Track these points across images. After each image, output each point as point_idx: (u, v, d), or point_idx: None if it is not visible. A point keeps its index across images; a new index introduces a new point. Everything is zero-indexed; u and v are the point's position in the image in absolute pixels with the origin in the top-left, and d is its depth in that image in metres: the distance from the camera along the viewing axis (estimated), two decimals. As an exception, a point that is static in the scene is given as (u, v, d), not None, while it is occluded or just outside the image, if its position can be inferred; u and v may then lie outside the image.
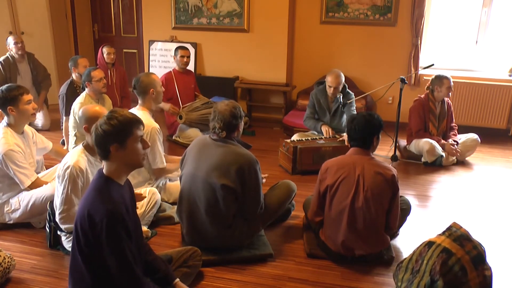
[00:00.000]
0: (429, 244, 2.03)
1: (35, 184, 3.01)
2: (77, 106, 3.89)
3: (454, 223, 2.07)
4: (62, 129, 4.66)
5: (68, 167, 2.53)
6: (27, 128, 3.18)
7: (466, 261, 1.91)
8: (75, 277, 1.92)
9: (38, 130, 5.14)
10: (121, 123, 1.91)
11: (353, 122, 2.68)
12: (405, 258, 2.17)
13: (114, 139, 1.90)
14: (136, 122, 1.98)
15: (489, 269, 1.96)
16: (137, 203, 2.56)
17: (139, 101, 3.37)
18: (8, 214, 3.01)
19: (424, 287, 1.95)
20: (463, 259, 1.91)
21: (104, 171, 1.95)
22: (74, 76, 4.71)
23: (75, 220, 1.89)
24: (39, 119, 5.27)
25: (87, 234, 1.82)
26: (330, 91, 4.23)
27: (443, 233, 2.04)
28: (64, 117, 4.54)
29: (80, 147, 2.66)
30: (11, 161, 2.90)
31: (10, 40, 5.10)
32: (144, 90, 3.31)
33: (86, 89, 4.03)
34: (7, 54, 5.15)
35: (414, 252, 2.11)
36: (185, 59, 4.92)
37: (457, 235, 1.99)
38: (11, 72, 5.11)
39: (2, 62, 5.10)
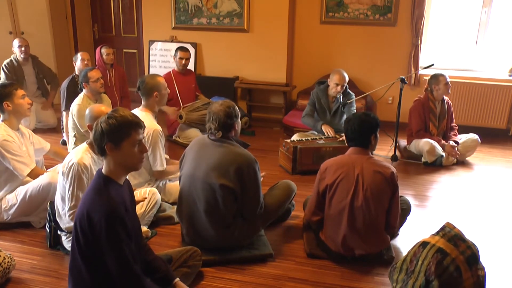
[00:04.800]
0: (423, 244, 2.02)
1: (34, 173, 3.01)
2: (75, 108, 3.89)
3: (448, 223, 2.07)
4: (62, 126, 4.68)
5: (72, 164, 2.54)
6: (23, 129, 3.20)
7: (461, 261, 1.91)
8: (75, 277, 1.91)
9: (48, 128, 5.26)
10: (119, 124, 1.87)
11: (349, 122, 2.70)
12: (399, 259, 2.16)
13: (109, 138, 1.87)
14: (136, 124, 1.92)
15: (483, 269, 1.95)
16: (137, 203, 2.57)
17: (143, 102, 3.36)
18: (6, 211, 3.00)
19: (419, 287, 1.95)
20: (457, 259, 1.90)
21: (103, 170, 1.94)
22: (77, 71, 4.73)
23: (74, 220, 1.89)
24: (50, 117, 5.33)
25: (86, 234, 1.82)
26: (336, 89, 4.22)
27: (437, 233, 2.04)
28: (64, 112, 4.55)
29: (84, 145, 2.67)
30: (6, 150, 2.90)
31: (15, 43, 5.10)
32: (149, 93, 3.30)
33: (84, 90, 4.02)
34: (12, 57, 5.14)
35: (408, 252, 2.10)
36: (183, 61, 4.91)
37: (451, 235, 1.98)
38: (17, 74, 5.11)
39: (6, 65, 5.09)
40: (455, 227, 2.03)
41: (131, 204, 2.02)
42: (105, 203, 1.81)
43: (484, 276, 1.95)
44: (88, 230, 1.81)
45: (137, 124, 1.93)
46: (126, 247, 1.83)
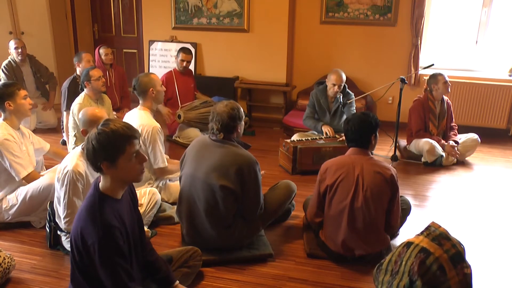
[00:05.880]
0: (407, 244, 2.02)
1: (31, 177, 3.00)
2: (76, 107, 3.88)
3: (433, 223, 2.07)
4: (62, 126, 4.68)
5: (67, 172, 2.52)
6: (23, 129, 3.21)
7: (445, 260, 1.90)
8: (76, 285, 1.90)
9: (48, 128, 5.27)
10: (110, 140, 1.75)
11: (349, 123, 2.70)
12: (384, 260, 2.16)
13: (103, 157, 1.76)
14: (129, 137, 1.79)
15: (469, 267, 1.94)
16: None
17: (140, 101, 3.37)
18: (6, 211, 3.00)
19: None
20: (441, 258, 1.90)
21: (100, 185, 1.86)
22: (78, 71, 4.73)
23: (70, 236, 1.86)
24: (50, 117, 5.34)
25: (81, 252, 1.80)
26: (334, 89, 4.22)
27: (422, 233, 2.04)
28: (64, 112, 4.55)
29: (79, 149, 2.63)
30: (6, 150, 2.90)
31: (11, 44, 5.08)
32: (144, 90, 3.31)
33: (85, 89, 4.02)
34: (9, 58, 5.12)
35: (393, 253, 2.10)
36: (184, 63, 4.93)
37: (436, 235, 1.98)
38: (16, 75, 5.10)
39: (6, 66, 5.08)
40: (440, 226, 2.03)
41: (131, 213, 1.97)
42: (98, 227, 1.74)
43: (470, 274, 1.93)
44: (82, 249, 1.79)
45: (131, 136, 1.80)
46: (120, 270, 1.78)
